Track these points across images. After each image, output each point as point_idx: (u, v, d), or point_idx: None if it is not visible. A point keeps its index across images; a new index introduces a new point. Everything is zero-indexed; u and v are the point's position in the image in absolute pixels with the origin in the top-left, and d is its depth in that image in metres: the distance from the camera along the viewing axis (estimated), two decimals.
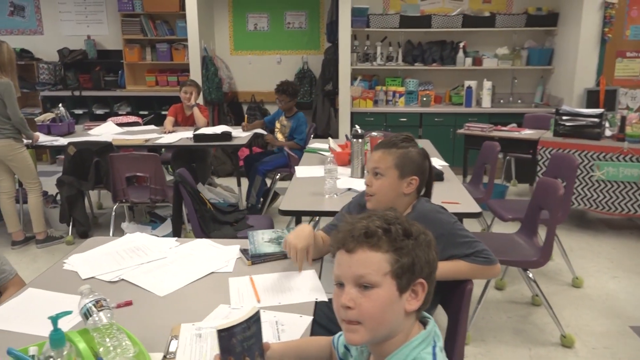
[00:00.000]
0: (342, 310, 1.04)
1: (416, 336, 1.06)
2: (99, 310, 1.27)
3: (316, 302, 1.65)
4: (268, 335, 1.46)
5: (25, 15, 6.83)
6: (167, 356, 1.35)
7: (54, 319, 1.11)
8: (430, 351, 1.05)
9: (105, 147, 4.15)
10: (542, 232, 2.89)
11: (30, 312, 1.59)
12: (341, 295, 1.04)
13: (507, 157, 5.68)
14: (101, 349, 1.22)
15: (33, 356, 1.19)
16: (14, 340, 1.43)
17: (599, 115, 4.20)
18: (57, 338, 1.08)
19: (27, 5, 6.80)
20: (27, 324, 1.52)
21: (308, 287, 1.76)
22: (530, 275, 2.87)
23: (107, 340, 1.23)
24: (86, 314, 1.26)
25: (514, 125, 5.25)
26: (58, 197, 4.56)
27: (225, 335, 1.06)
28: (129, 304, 1.64)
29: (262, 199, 4.78)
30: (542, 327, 3.00)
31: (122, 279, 1.82)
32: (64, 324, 1.25)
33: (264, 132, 4.88)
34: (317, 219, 3.92)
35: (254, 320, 1.09)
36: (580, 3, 5.45)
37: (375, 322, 1.02)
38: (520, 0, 6.21)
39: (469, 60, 6.17)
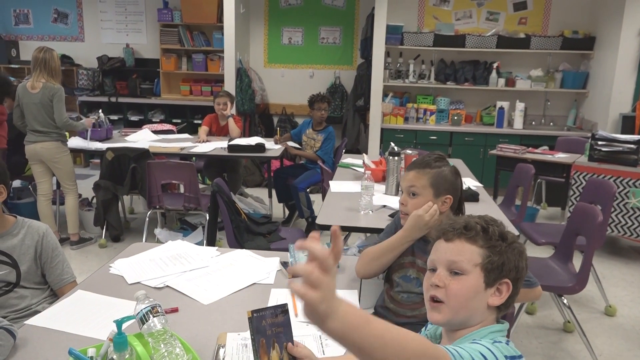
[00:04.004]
0: (432, 289, 1.14)
1: (495, 325, 1.13)
2: (154, 316, 1.31)
3: None
4: (312, 349, 1.48)
5: (68, 23, 7.06)
6: None
7: (119, 323, 1.15)
8: (504, 339, 1.10)
9: (142, 154, 4.25)
10: (575, 259, 2.86)
11: (82, 314, 1.64)
12: (432, 277, 1.15)
13: (539, 180, 5.63)
14: (155, 354, 1.26)
15: (91, 357, 1.24)
16: (68, 340, 1.48)
17: (637, 142, 4.14)
18: (121, 342, 1.12)
19: (71, 13, 7.03)
20: (79, 325, 1.57)
21: None
22: (565, 301, 2.84)
23: (162, 345, 1.27)
24: (142, 319, 1.29)
25: (546, 147, 5.21)
26: (93, 201, 4.67)
27: (257, 317, 1.15)
28: (175, 310, 1.68)
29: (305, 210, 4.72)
30: (574, 354, 2.96)
31: (167, 286, 1.86)
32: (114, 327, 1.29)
33: (298, 145, 4.92)
34: (347, 233, 3.94)
35: (282, 311, 1.17)
36: (618, 28, 5.41)
37: (457, 304, 1.11)
38: (556, 22, 6.19)
39: (501, 81, 6.15)
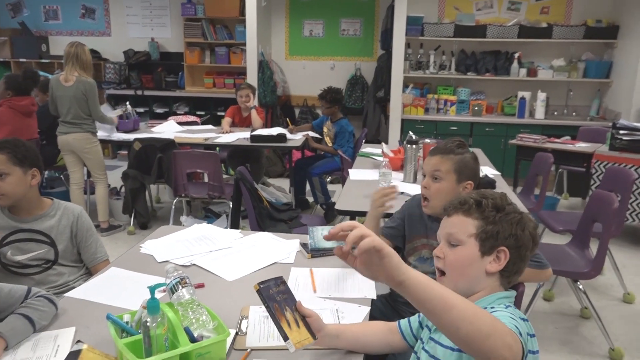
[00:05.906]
0: (435, 260, 1.28)
1: (502, 292, 1.22)
2: (183, 287, 1.42)
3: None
4: (329, 321, 1.57)
5: (95, 18, 7.27)
6: (239, 333, 1.49)
7: (152, 289, 1.26)
8: (511, 304, 1.19)
9: (168, 144, 4.39)
10: (593, 246, 2.89)
11: (116, 288, 1.77)
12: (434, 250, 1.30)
13: (560, 170, 5.61)
14: (185, 321, 1.37)
15: (127, 322, 1.36)
16: (104, 310, 1.60)
17: None
18: (154, 305, 1.23)
19: (98, 8, 7.23)
20: (114, 297, 1.70)
21: (362, 285, 1.84)
22: (581, 286, 2.88)
23: (190, 313, 1.38)
24: (172, 289, 1.41)
25: (568, 138, 5.19)
26: (122, 190, 4.84)
27: (264, 287, 1.28)
28: (201, 286, 1.80)
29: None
30: (590, 339, 3.00)
31: (194, 264, 1.98)
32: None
33: (317, 135, 5.01)
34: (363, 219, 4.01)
35: (281, 282, 1.32)
36: None
37: (456, 273, 1.23)
38: (579, 11, 6.13)
39: (523, 71, 6.12)
